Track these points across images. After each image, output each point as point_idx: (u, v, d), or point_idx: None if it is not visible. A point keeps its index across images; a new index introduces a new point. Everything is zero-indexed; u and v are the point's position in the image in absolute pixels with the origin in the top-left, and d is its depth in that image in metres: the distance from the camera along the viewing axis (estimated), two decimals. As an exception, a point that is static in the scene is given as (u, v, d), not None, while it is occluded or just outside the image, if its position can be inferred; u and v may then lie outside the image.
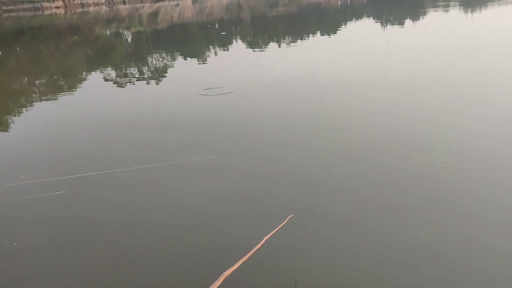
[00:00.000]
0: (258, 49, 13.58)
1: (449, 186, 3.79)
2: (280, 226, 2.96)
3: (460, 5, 23.38)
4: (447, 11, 21.55)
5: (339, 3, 35.08)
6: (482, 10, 20.24)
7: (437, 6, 24.26)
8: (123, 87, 8.95)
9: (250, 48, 14.18)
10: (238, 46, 14.65)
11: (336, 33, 16.11)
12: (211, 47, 14.74)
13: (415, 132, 5.07)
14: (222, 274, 1.98)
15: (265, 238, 2.69)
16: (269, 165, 4.39)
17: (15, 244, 3.36)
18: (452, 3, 24.89)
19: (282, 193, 3.80)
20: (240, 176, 4.20)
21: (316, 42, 13.90)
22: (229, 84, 8.18)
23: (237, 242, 3.13)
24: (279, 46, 13.61)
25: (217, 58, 12.38)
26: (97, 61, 13.51)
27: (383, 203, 3.57)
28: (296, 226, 3.26)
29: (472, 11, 19.95)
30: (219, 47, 14.62)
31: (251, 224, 3.37)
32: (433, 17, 19.09)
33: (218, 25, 24.47)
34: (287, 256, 2.97)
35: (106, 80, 9.91)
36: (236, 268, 2.22)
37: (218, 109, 6.55)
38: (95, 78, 10.50)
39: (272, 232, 2.80)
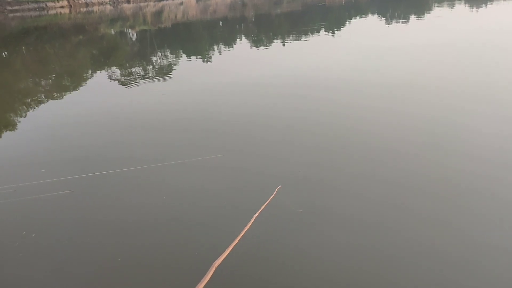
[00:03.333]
0: (262, 47, 13.59)
1: (455, 185, 3.79)
2: (269, 199, 2.97)
3: (465, 1, 23.24)
4: (452, 7, 21.43)
5: (344, 0, 34.93)
6: (488, 6, 20.09)
7: (442, 2, 24.13)
8: (128, 87, 8.99)
9: (254, 46, 14.18)
10: (242, 44, 14.65)
11: (340, 31, 16.06)
12: (215, 45, 14.76)
13: (420, 131, 5.06)
14: (213, 264, 1.98)
15: (255, 216, 2.71)
16: (273, 163, 4.40)
17: (33, 235, 3.41)
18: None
19: (290, 192, 3.82)
20: (245, 175, 4.22)
21: (320, 40, 13.86)
22: (232, 83, 8.20)
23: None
24: (283, 44, 13.61)
25: (221, 56, 12.39)
26: (101, 61, 13.56)
27: (388, 202, 3.58)
28: (303, 225, 3.28)
29: (477, 7, 19.82)
30: (224, 45, 14.63)
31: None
32: (438, 14, 18.98)
33: (222, 23, 24.47)
34: (296, 257, 2.99)
35: (111, 79, 9.96)
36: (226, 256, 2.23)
37: (221, 108, 6.57)
38: (100, 77, 10.55)
39: (262, 208, 2.80)
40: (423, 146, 4.60)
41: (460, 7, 21.14)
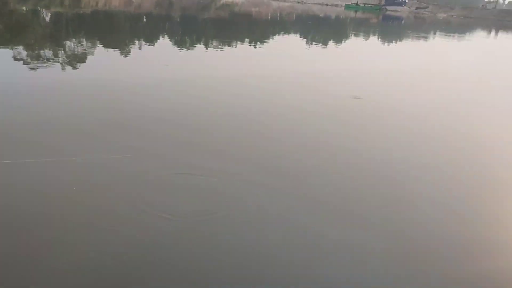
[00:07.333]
0: (184, 49, 13.43)
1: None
2: None
3: (378, 36, 25.10)
4: (367, 39, 23.02)
5: (269, 16, 35.89)
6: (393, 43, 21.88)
7: (359, 32, 25.85)
8: (34, 69, 8.32)
9: (176, 46, 13.95)
10: (164, 43, 14.32)
11: (263, 44, 16.42)
12: (136, 40, 14.24)
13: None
14: None
15: None
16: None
17: None
18: (371, 32, 26.65)
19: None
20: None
21: (244, 48, 14.05)
22: (150, 79, 7.98)
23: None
24: (206, 48, 13.56)
25: (141, 52, 11.99)
26: (7, 38, 12.38)
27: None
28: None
29: (389, 43, 21.51)
30: (145, 41, 14.15)
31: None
32: (353, 42, 20.23)
33: (146, 19, 23.79)
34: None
35: (15, 59, 9.12)
36: None
37: (135, 105, 6.35)
38: (3, 54, 9.61)
39: None
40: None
41: (374, 40, 22.78)
